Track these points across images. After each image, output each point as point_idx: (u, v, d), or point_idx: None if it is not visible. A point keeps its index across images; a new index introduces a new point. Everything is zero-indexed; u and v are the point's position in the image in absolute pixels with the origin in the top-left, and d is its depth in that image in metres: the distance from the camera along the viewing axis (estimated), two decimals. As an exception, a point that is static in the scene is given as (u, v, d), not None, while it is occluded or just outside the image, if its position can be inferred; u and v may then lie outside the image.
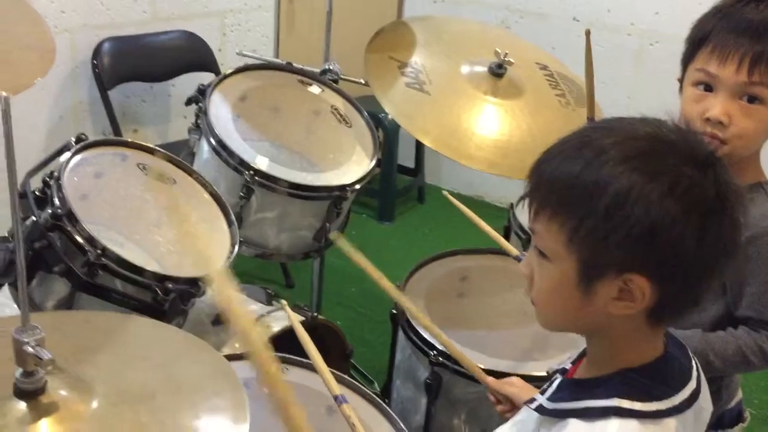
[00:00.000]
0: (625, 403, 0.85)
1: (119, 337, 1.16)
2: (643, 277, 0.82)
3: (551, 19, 3.47)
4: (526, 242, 2.10)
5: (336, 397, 1.28)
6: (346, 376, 1.55)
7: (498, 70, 1.95)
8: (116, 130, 2.76)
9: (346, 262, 3.06)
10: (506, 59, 1.94)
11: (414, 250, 3.26)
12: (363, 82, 2.01)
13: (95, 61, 2.73)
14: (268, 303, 1.88)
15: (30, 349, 0.93)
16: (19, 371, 0.95)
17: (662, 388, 0.87)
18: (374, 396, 1.51)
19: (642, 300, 0.83)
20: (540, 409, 0.93)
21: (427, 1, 3.76)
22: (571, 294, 0.86)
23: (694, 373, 0.93)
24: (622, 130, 0.86)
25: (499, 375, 1.61)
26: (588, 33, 1.57)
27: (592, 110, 1.68)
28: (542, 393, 0.96)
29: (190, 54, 2.98)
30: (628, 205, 0.79)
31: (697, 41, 1.27)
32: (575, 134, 0.88)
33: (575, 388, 0.93)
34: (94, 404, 0.98)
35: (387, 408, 1.49)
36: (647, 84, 3.26)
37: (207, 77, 2.86)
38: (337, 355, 1.88)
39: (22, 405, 0.96)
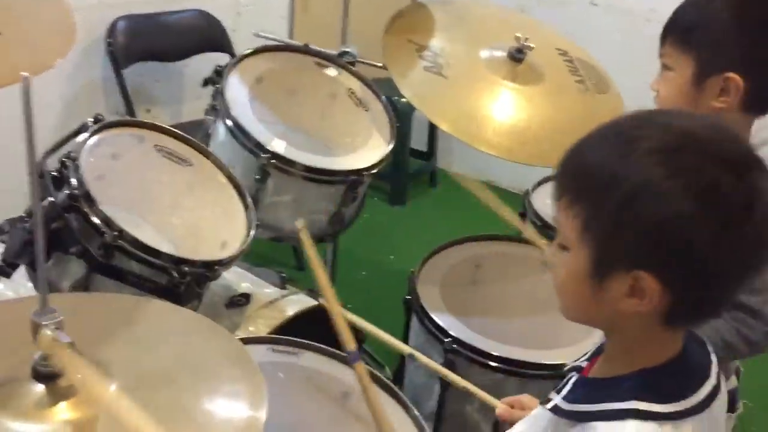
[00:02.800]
0: (643, 405, 0.84)
1: (135, 320, 1.15)
2: (653, 277, 0.80)
3: (569, 4, 3.42)
4: (541, 229, 2.08)
5: (349, 353, 1.25)
6: (359, 361, 1.55)
7: (518, 55, 1.92)
8: (130, 110, 2.75)
9: (357, 246, 3.05)
10: (526, 44, 1.91)
11: (425, 234, 3.24)
12: (380, 65, 1.99)
13: (109, 40, 2.71)
14: (282, 287, 1.87)
15: (49, 333, 0.92)
16: (37, 354, 0.95)
17: (680, 388, 0.86)
18: (388, 382, 1.51)
19: (651, 300, 0.81)
20: (555, 410, 0.91)
21: (443, -17, 3.73)
22: (584, 286, 0.85)
23: (713, 370, 0.91)
24: (656, 122, 0.84)
25: (513, 363, 1.62)
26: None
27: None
28: (557, 392, 0.94)
29: (204, 34, 2.96)
30: (641, 199, 0.78)
31: None
32: (609, 123, 0.86)
33: (591, 388, 0.91)
34: (113, 388, 0.97)
35: (401, 393, 1.48)
36: (665, 70, 3.22)
37: (221, 57, 2.85)
38: (350, 339, 1.88)
39: (41, 388, 0.95)
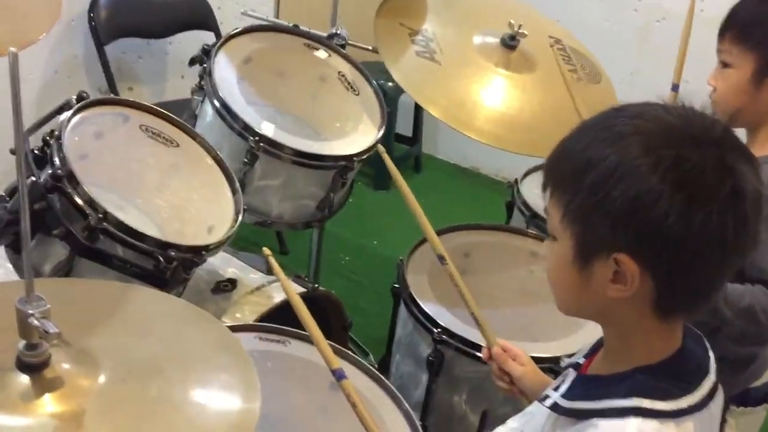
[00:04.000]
0: (646, 403, 0.83)
1: (123, 308, 1.11)
2: (630, 258, 0.80)
3: (558, -9, 3.39)
4: (530, 219, 2.07)
5: (334, 372, 1.23)
6: (346, 350, 1.52)
7: (511, 42, 1.90)
8: (112, 87, 2.69)
9: (341, 231, 3.00)
10: (520, 31, 1.89)
11: (410, 218, 3.17)
12: (371, 48, 1.95)
13: (91, 14, 2.64)
14: (269, 272, 1.84)
15: (35, 322, 0.88)
16: (22, 344, 0.91)
17: (681, 385, 0.86)
18: (375, 371, 1.49)
19: (633, 283, 0.81)
20: (555, 408, 0.90)
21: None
22: (571, 274, 0.85)
23: (712, 366, 0.90)
24: (631, 111, 0.85)
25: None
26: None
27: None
28: (555, 389, 0.93)
29: (189, 11, 2.89)
30: (612, 180, 0.79)
31: None
32: (591, 117, 0.88)
33: (591, 386, 0.90)
34: (101, 379, 0.94)
35: (388, 383, 1.46)
36: (651, 61, 3.21)
37: (205, 36, 2.79)
38: (336, 327, 1.85)
39: (25, 379, 0.91)
